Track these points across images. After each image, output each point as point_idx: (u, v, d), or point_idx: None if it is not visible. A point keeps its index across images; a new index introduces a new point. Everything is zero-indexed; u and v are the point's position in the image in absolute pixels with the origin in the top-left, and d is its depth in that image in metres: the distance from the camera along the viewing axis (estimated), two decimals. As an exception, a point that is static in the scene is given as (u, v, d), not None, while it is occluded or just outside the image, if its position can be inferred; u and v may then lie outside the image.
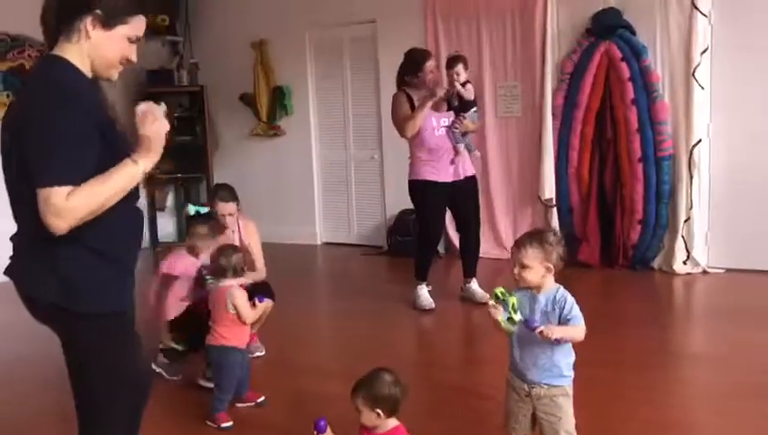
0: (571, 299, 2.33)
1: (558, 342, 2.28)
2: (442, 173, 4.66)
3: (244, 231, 3.92)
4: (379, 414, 2.27)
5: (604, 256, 5.66)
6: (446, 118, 4.68)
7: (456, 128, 4.67)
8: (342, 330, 4.69)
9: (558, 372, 2.34)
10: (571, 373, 2.38)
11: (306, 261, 6.72)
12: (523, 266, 2.33)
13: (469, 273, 4.93)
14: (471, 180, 4.82)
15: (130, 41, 1.95)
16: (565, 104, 5.67)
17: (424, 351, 4.36)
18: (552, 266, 2.33)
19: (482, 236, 5.04)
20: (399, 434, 2.31)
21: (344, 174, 7.02)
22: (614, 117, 5.48)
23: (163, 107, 1.95)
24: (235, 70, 7.25)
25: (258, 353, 3.97)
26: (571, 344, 2.36)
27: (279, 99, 7.08)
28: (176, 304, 3.64)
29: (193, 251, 3.70)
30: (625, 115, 5.40)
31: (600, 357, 3.48)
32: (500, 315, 2.27)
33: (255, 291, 3.72)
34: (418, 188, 4.70)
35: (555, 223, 5.77)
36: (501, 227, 6.15)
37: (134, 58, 1.97)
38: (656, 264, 5.54)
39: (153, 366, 3.51)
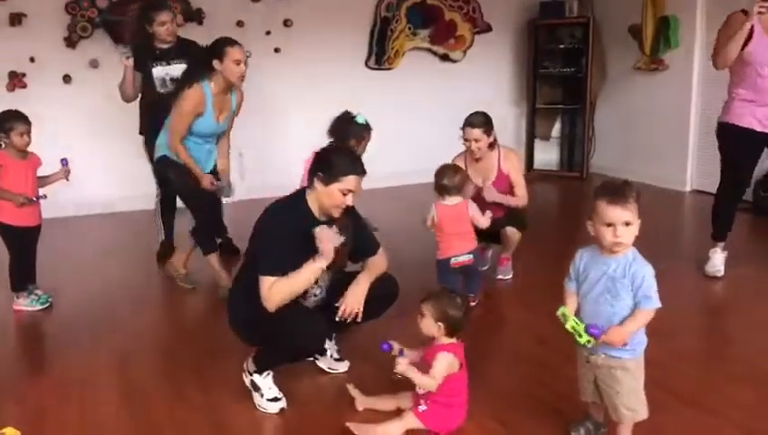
0: (650, 274, 2.11)
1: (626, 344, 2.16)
2: (763, 120, 3.97)
3: (504, 161, 4.09)
4: (440, 327, 2.46)
5: None
6: None
7: None
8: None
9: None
10: (635, 347, 2.16)
11: (657, 206, 6.30)
12: (627, 224, 2.13)
13: None
14: None
15: (343, 193, 2.66)
16: None
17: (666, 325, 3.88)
18: None
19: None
20: (456, 350, 2.50)
21: (724, 116, 6.28)
22: None
23: (334, 229, 2.64)
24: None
25: (501, 276, 4.20)
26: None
27: (663, 30, 6.61)
28: None
29: None
30: None
31: None
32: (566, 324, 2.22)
33: (508, 220, 3.98)
34: (729, 133, 4.10)
35: None
36: None
37: (349, 202, 2.70)
38: None
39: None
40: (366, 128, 3.87)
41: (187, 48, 4.55)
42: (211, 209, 4.31)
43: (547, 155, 7.94)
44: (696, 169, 6.66)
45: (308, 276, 2.65)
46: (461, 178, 3.67)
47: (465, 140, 3.98)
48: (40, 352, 3.56)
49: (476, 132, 3.94)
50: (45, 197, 3.95)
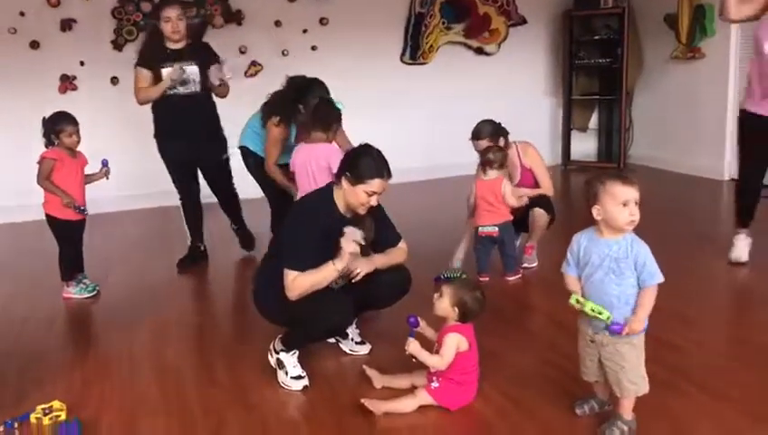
0: (649, 252, 2.20)
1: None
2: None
3: (524, 156, 4.17)
4: (455, 311, 2.59)
5: None
6: None
7: None
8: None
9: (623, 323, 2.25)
10: (640, 325, 2.27)
11: (693, 195, 6.28)
12: (637, 203, 2.23)
13: None
14: None
15: (368, 194, 2.82)
16: None
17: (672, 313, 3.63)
18: None
19: None
20: (464, 330, 2.63)
21: (762, 103, 6.20)
22: None
23: (360, 233, 2.80)
24: (663, -12, 6.96)
25: (526, 265, 4.27)
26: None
27: (700, 19, 6.57)
28: None
29: None
30: None
31: None
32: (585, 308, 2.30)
33: (536, 203, 4.06)
34: (742, 120, 4.08)
35: None
36: None
37: (373, 203, 2.87)
38: None
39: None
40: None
41: (199, 51, 4.44)
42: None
43: (584, 146, 7.95)
44: (733, 158, 6.57)
45: (327, 275, 2.82)
46: (503, 155, 4.04)
47: (477, 151, 4.09)
48: (85, 336, 3.81)
49: (483, 144, 4.08)
50: (87, 214, 4.18)
